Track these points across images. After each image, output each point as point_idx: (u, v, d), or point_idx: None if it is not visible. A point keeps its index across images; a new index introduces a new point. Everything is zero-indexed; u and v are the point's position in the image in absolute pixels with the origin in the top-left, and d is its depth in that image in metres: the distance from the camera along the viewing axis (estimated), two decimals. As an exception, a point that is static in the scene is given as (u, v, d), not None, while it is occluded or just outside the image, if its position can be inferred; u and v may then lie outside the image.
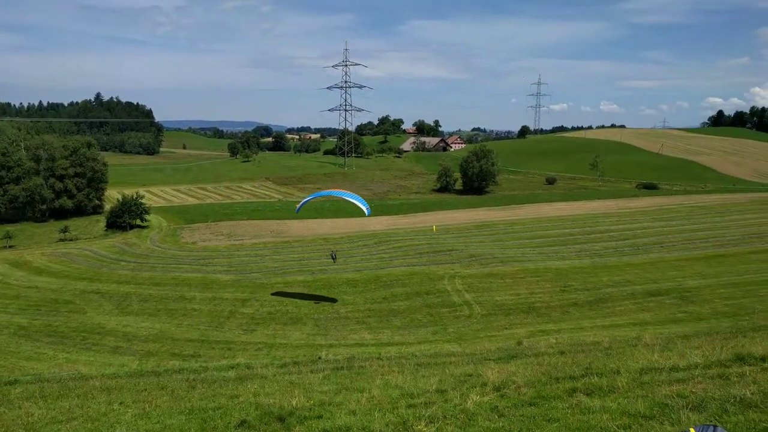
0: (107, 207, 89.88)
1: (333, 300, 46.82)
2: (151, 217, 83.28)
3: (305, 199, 52.62)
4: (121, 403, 10.80)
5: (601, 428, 6.24)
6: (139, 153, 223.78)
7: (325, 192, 61.34)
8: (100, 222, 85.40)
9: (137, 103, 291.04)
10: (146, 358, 34.43)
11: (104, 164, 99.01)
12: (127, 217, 79.35)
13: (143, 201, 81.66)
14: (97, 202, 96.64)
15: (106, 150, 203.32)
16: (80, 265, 61.59)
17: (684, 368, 9.07)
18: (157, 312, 45.64)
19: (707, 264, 56.61)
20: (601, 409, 7.00)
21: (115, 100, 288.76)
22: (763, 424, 5.69)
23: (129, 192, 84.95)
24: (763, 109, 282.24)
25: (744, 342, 11.99)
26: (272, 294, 48.50)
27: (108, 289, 51.73)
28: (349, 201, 47.97)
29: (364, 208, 46.26)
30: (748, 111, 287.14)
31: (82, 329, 42.00)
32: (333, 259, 53.08)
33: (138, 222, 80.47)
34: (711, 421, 5.94)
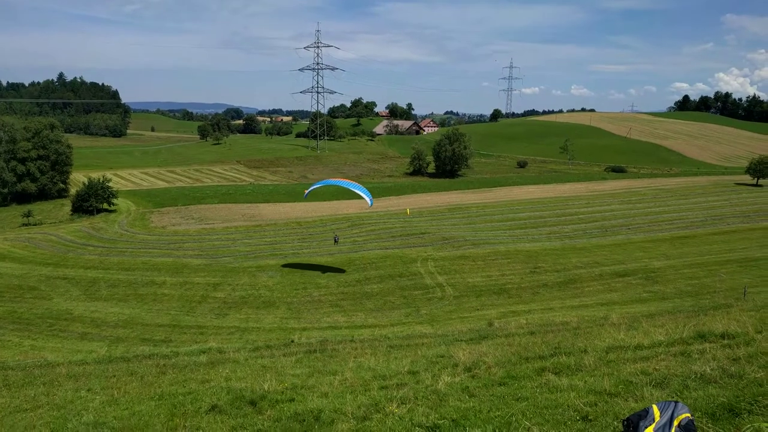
0: (73, 191, 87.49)
1: (341, 270, 49.08)
2: (119, 201, 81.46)
3: (313, 186, 55.28)
4: (88, 390, 10.63)
5: (568, 406, 6.38)
6: (105, 135, 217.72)
7: (331, 181, 62.65)
8: (66, 206, 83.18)
9: (103, 84, 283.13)
10: (115, 344, 33.88)
11: (69, 147, 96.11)
12: (93, 201, 77.42)
13: (110, 184, 79.70)
14: (61, 185, 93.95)
15: (71, 132, 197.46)
16: (45, 250, 60.01)
17: (648, 346, 9.33)
18: (127, 297, 44.89)
19: (672, 245, 58.21)
20: (569, 387, 7.15)
21: (79, 80, 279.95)
22: (721, 399, 5.89)
23: (95, 175, 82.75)
24: (727, 94, 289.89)
25: (705, 320, 12.38)
26: (282, 266, 50.91)
27: (75, 275, 50.57)
28: (354, 191, 50.82)
29: (367, 199, 49.17)
30: (712, 96, 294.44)
31: (49, 316, 41.05)
32: (335, 242, 56.58)
33: (105, 206, 78.62)
34: (673, 397, 6.12)
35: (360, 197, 50.48)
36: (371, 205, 50.79)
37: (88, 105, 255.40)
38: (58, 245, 61.75)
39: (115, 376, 12.48)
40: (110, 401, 9.44)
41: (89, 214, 76.62)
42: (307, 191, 55.38)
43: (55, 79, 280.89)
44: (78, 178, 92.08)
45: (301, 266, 50.98)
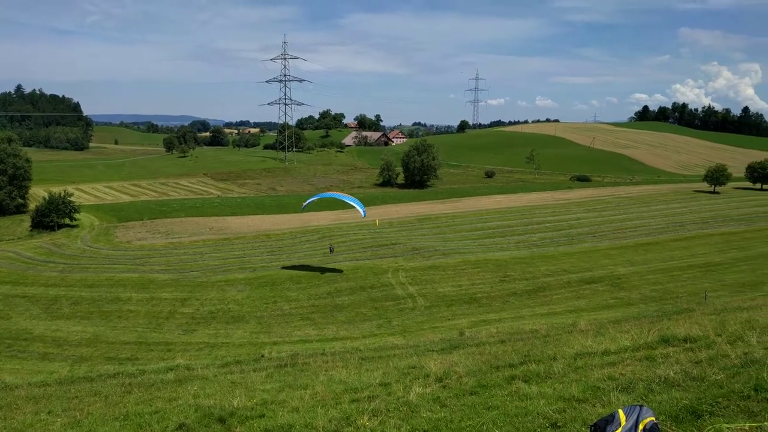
0: (32, 206, 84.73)
1: (339, 271, 51.18)
2: (82, 216, 79.28)
3: (310, 199, 58.41)
4: (49, 413, 10.26)
5: (537, 413, 6.45)
6: (66, 149, 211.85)
7: (328, 194, 64.71)
8: (25, 222, 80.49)
9: (63, 96, 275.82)
10: (78, 364, 32.81)
11: (27, 161, 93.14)
12: (54, 217, 75.16)
13: (72, 199, 77.56)
14: (20, 200, 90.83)
15: (30, 145, 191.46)
16: (2, 267, 57.85)
17: (615, 352, 9.52)
18: (90, 315, 43.58)
19: (636, 252, 59.69)
20: (538, 394, 7.24)
21: (38, 92, 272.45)
22: (684, 402, 6.04)
23: (56, 190, 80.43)
24: (684, 104, 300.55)
25: (669, 324, 12.71)
26: (282, 267, 53.44)
27: (35, 293, 48.89)
28: (348, 203, 55.49)
29: (361, 210, 53.07)
30: (670, 107, 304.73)
31: (7, 336, 39.50)
32: (331, 251, 57.54)
33: (67, 221, 76.41)
34: (638, 401, 6.25)
35: (352, 207, 55.12)
36: (364, 216, 54.28)
37: (48, 118, 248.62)
38: (16, 262, 59.66)
39: (77, 397, 12.08)
40: (72, 423, 9.13)
41: (50, 230, 74.34)
42: (304, 204, 58.45)
43: (13, 92, 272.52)
44: (38, 193, 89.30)
45: (271, 280, 50.40)
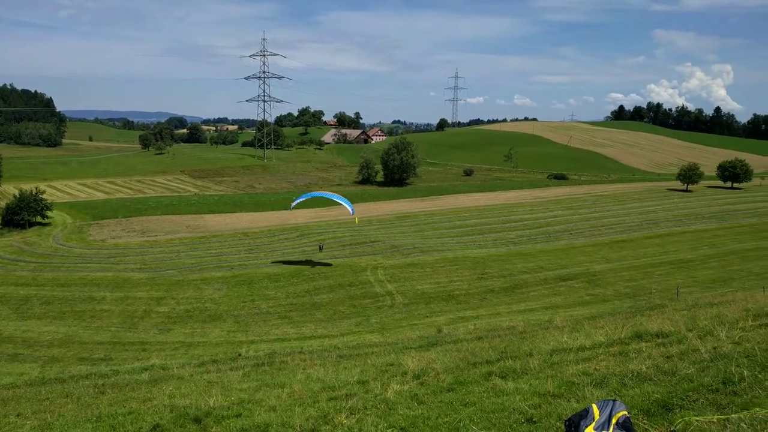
0: (2, 203, 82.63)
1: (328, 264, 52.99)
2: (54, 214, 77.54)
3: (299, 198, 59.19)
4: (18, 415, 10.02)
5: (513, 409, 6.51)
6: (38, 145, 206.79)
7: (316, 193, 66.37)
8: (-6, 220, 78.42)
9: (36, 91, 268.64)
10: (50, 365, 32.14)
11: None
12: (25, 214, 73.35)
13: (44, 196, 75.77)
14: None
15: (0, 141, 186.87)
16: (-29, 267, 56.35)
17: (589, 347, 9.66)
18: (63, 315, 42.68)
19: (611, 249, 60.67)
20: (515, 390, 7.30)
21: (9, 87, 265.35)
22: (656, 395, 6.16)
23: (27, 187, 78.48)
24: (659, 104, 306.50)
25: (642, 320, 12.95)
26: (272, 262, 54.31)
27: (4, 292, 47.70)
28: (336, 201, 57.20)
29: (349, 209, 55.11)
30: (645, 106, 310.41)
31: (-25, 337, 38.50)
32: (320, 249, 57.58)
33: (39, 219, 74.66)
34: (612, 396, 6.35)
35: (336, 204, 57.33)
36: (353, 213, 55.91)
37: (19, 113, 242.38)
38: (-14, 261, 58.10)
39: (48, 398, 11.83)
40: (43, 426, 8.93)
41: (21, 228, 72.56)
42: (293, 204, 59.89)
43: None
44: (8, 190, 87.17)
45: (248, 278, 49.99)
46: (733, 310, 12.16)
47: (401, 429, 6.44)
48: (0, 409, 10.97)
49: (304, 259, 54.90)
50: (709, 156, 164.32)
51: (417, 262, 53.94)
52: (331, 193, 64.21)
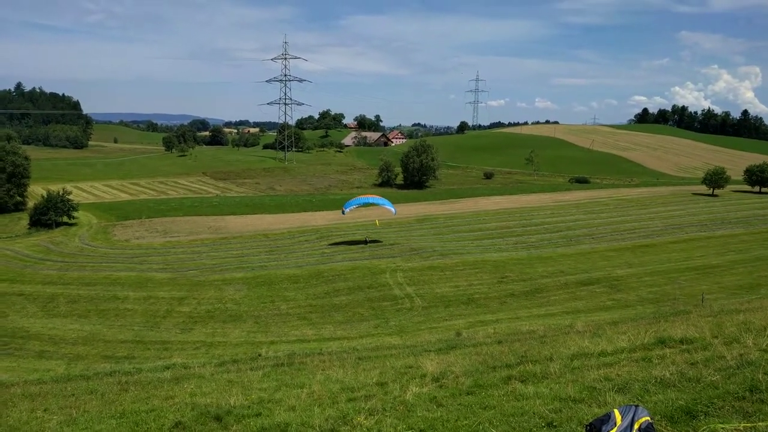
0: (30, 204, 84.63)
1: (378, 241, 60.66)
2: (80, 214, 79.18)
3: (350, 204, 64.37)
4: (45, 410, 10.24)
5: (533, 413, 6.46)
6: (65, 147, 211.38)
7: (364, 199, 68.61)
8: (23, 220, 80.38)
9: (63, 95, 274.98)
10: (75, 362, 32.77)
11: (26, 158, 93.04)
12: (52, 215, 75.07)
13: (71, 197, 77.46)
14: (19, 198, 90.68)
15: (29, 143, 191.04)
16: (0, 265, 57.80)
17: (611, 353, 9.53)
18: (87, 313, 43.54)
19: (633, 254, 59.72)
20: (535, 395, 7.24)
21: (38, 90, 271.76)
22: (680, 402, 6.06)
23: (55, 188, 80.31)
24: (683, 107, 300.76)
25: (665, 326, 12.72)
26: (330, 244, 62.68)
27: (32, 291, 48.83)
28: (381, 206, 64.98)
29: (392, 210, 63.54)
30: (669, 109, 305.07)
31: (3, 334, 39.46)
32: (366, 243, 61.64)
33: (65, 219, 76.33)
34: (634, 402, 6.26)
35: (367, 206, 65.89)
36: (395, 213, 64.10)
37: (47, 116, 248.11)
38: (13, 260, 59.57)
39: (74, 395, 12.06)
40: (68, 421, 9.11)
41: (48, 228, 74.24)
42: (346, 209, 64.10)
43: (13, 89, 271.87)
44: (36, 191, 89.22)
45: (268, 279, 50.37)
46: (761, 317, 11.88)
47: (420, 431, 6.44)
48: (28, 404, 11.23)
49: (359, 239, 62.58)
50: (735, 160, 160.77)
51: (436, 265, 53.78)
52: (378, 197, 69.82)
